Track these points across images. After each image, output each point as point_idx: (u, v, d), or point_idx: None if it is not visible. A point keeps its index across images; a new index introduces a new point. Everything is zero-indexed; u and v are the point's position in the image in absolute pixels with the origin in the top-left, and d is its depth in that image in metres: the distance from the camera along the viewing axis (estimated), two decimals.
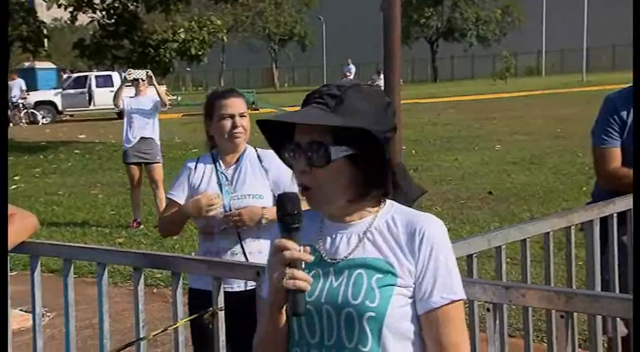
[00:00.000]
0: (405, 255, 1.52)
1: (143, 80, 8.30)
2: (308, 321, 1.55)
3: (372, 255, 1.54)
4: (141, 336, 2.24)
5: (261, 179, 3.01)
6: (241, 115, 3.05)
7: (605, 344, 3.04)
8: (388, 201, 1.60)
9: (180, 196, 3.05)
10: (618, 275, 2.69)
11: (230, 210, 2.97)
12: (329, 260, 1.56)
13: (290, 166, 1.57)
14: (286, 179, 3.08)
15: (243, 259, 2.92)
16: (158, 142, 8.44)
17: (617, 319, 2.47)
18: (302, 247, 1.49)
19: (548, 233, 2.49)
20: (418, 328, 1.53)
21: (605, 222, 2.69)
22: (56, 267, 6.05)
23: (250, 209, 2.93)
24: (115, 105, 8.60)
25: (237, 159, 3.08)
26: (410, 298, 1.52)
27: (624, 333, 2.53)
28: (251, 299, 2.87)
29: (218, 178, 3.03)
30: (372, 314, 1.49)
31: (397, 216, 1.57)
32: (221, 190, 3.01)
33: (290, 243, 1.48)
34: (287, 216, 1.49)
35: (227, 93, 3.08)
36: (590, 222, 2.62)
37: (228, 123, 3.02)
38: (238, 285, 2.83)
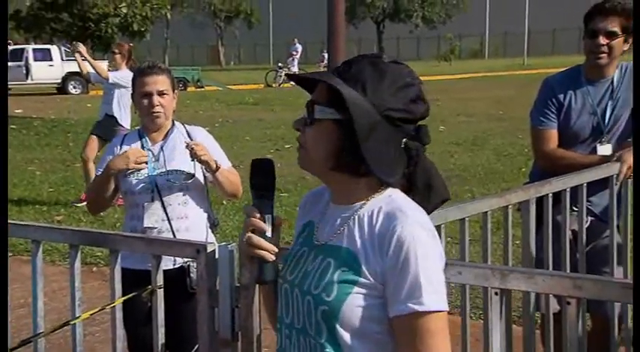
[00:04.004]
0: (375, 253, 1.40)
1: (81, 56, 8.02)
2: (285, 301, 1.52)
3: (345, 245, 1.45)
4: (77, 315, 2.19)
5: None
6: (160, 93, 2.97)
7: (539, 321, 3.13)
8: (388, 190, 1.47)
9: None
10: (552, 253, 2.76)
11: (156, 186, 2.95)
12: (315, 242, 1.52)
13: None
14: (213, 155, 3.07)
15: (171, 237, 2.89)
16: (124, 124, 7.72)
17: (550, 296, 2.54)
18: (267, 216, 1.49)
19: (486, 212, 2.53)
20: (390, 330, 1.41)
21: (541, 201, 2.76)
22: None
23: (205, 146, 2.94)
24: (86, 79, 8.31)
25: (165, 136, 3.05)
26: (377, 298, 1.40)
27: (556, 310, 2.61)
28: (177, 278, 2.85)
29: None
30: (325, 307, 1.42)
31: (385, 207, 1.43)
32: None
33: (252, 210, 1.50)
34: (257, 183, 1.51)
35: (148, 70, 2.99)
36: (526, 202, 2.67)
37: (145, 101, 2.97)
38: (165, 264, 2.78)
